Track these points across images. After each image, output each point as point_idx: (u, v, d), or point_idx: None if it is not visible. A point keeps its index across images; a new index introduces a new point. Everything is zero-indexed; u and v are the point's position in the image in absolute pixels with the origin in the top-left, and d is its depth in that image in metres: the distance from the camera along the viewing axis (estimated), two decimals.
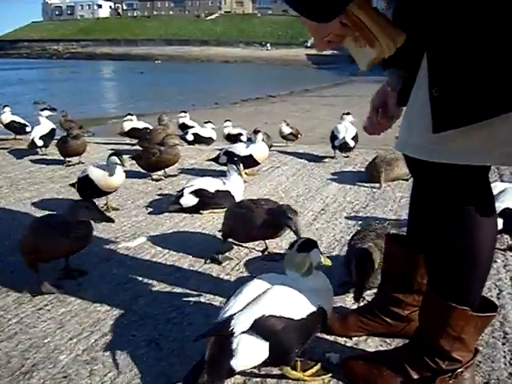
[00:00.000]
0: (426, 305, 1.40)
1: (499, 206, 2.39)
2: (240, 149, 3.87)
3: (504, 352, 1.61)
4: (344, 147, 4.50)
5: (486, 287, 2.03)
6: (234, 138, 5.34)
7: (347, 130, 4.53)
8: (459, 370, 1.34)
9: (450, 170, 1.19)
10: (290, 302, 1.40)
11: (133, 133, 5.24)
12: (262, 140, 3.93)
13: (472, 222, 1.25)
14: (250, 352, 1.33)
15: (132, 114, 5.46)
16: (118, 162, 2.89)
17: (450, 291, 1.30)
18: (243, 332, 1.32)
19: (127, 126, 5.28)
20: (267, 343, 1.33)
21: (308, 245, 1.49)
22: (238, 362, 1.32)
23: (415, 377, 1.38)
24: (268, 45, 62.84)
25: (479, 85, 1.06)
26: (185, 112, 6.00)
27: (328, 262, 1.51)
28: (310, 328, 1.41)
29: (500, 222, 2.37)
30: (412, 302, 1.61)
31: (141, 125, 5.32)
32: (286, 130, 5.59)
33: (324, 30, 1.11)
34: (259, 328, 1.33)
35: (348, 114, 4.81)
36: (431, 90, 1.12)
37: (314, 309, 1.41)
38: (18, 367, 1.57)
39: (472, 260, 1.27)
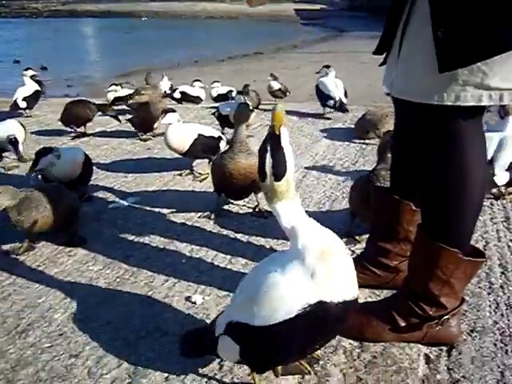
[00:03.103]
0: (417, 247, 1.42)
1: (505, 157, 2.41)
2: (223, 108, 3.77)
3: (489, 301, 1.66)
4: (341, 108, 4.34)
5: (473, 239, 2.07)
6: (222, 98, 5.26)
7: (338, 87, 4.38)
8: (446, 317, 1.38)
9: (448, 112, 1.24)
10: (270, 303, 1.11)
11: (117, 102, 5.12)
12: (246, 99, 3.86)
13: (465, 160, 1.29)
14: (226, 352, 1.26)
15: (117, 85, 5.31)
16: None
17: (441, 232, 1.33)
18: (221, 334, 1.24)
19: (111, 96, 5.15)
20: (238, 347, 1.20)
21: (280, 162, 1.11)
22: (222, 355, 1.29)
23: (402, 324, 1.42)
24: None
25: (483, 23, 1.12)
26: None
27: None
28: (296, 335, 1.11)
29: (507, 175, 2.40)
30: (400, 251, 1.64)
31: (124, 92, 5.20)
32: (275, 86, 5.48)
33: None
34: (230, 333, 1.21)
35: (329, 66, 4.62)
36: (436, 31, 1.17)
37: (302, 306, 1.08)
38: (13, 327, 1.59)
39: (463, 198, 1.30)
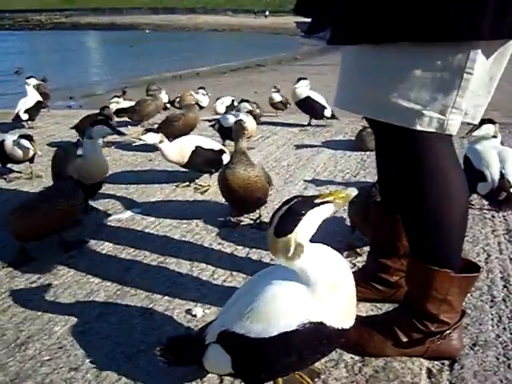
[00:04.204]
0: (410, 270, 1.42)
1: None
2: (224, 120, 3.74)
3: (491, 315, 1.65)
4: (333, 116, 4.58)
5: (475, 252, 2.06)
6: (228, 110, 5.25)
7: (321, 98, 4.57)
8: (447, 332, 1.37)
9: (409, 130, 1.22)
10: (265, 315, 1.10)
11: (119, 113, 5.15)
12: (249, 112, 3.86)
13: (441, 175, 1.27)
14: (215, 362, 1.21)
15: (119, 96, 5.34)
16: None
17: (429, 254, 1.33)
18: (212, 343, 1.20)
19: (113, 107, 5.17)
20: (230, 358, 1.16)
21: (290, 220, 1.07)
22: (207, 366, 1.24)
23: (404, 339, 1.41)
24: (266, 12, 60.92)
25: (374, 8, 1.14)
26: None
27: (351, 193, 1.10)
28: (291, 349, 1.10)
29: None
30: (400, 267, 1.63)
31: (126, 104, 5.22)
32: (277, 98, 5.49)
33: None
34: (223, 342, 1.17)
35: (305, 78, 4.70)
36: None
37: (302, 322, 1.07)
38: (13, 339, 1.58)
39: (446, 216, 1.28)
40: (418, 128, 1.19)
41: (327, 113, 4.55)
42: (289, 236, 1.06)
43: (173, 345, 1.34)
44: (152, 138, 2.75)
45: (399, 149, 1.30)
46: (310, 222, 1.08)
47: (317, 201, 1.08)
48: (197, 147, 2.86)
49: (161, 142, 2.76)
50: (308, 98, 4.54)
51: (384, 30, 1.14)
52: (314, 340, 1.10)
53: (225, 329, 1.17)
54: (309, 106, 4.57)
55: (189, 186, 3.02)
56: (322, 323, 1.08)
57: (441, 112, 1.18)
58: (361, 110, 1.33)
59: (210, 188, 2.95)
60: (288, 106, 5.62)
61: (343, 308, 1.12)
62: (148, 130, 2.81)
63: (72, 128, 4.07)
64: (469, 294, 1.69)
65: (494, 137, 2.54)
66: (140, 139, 2.75)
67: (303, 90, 4.55)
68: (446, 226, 1.29)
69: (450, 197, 1.27)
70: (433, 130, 1.19)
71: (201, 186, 3.00)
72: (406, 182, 1.32)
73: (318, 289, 1.09)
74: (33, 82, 4.85)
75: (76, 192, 2.16)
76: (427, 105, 1.17)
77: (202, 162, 2.88)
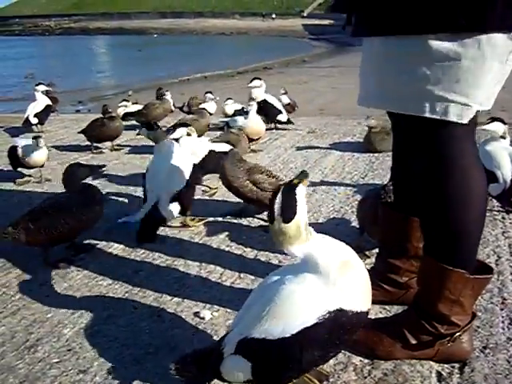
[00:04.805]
0: (423, 269, 1.41)
1: None
2: (232, 123, 3.79)
3: (502, 317, 1.63)
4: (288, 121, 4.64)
5: (485, 254, 2.04)
6: (239, 114, 5.25)
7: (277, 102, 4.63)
8: (457, 334, 1.36)
9: (435, 123, 1.22)
10: (283, 314, 1.11)
11: (127, 118, 5.18)
12: (287, 104, 3.88)
13: (463, 172, 1.27)
14: (235, 372, 1.19)
15: (128, 100, 5.39)
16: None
17: (445, 254, 1.32)
18: (230, 354, 1.19)
19: (121, 111, 5.20)
20: (250, 365, 1.16)
21: (290, 204, 1.13)
22: (226, 376, 1.22)
23: (414, 342, 1.40)
24: (273, 15, 60.98)
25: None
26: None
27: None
28: (314, 343, 1.10)
29: None
30: (409, 267, 1.62)
31: (134, 108, 5.25)
32: (285, 100, 5.49)
33: None
34: (242, 351, 1.16)
35: (259, 78, 4.72)
36: None
37: (322, 314, 1.08)
38: (22, 342, 1.59)
39: (464, 215, 1.28)
40: (454, 119, 1.19)
41: (282, 118, 4.55)
42: (297, 218, 1.12)
43: (187, 361, 1.30)
44: (179, 132, 2.82)
45: (423, 145, 1.29)
46: (302, 200, 1.15)
47: (295, 182, 1.15)
48: (210, 151, 2.92)
49: (188, 134, 2.82)
50: (264, 101, 4.46)
51: (416, 22, 1.15)
52: (336, 328, 1.10)
53: (243, 337, 1.16)
54: (264, 110, 4.42)
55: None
56: (340, 309, 1.10)
57: (467, 101, 1.19)
58: (388, 106, 1.33)
59: (217, 191, 2.95)
60: (296, 108, 5.62)
61: (359, 289, 1.13)
62: (177, 126, 2.88)
63: (80, 132, 4.09)
64: (479, 296, 1.68)
65: (503, 137, 2.52)
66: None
67: (259, 93, 4.47)
68: (464, 225, 1.29)
69: (469, 195, 1.27)
70: (461, 121, 1.20)
71: (209, 188, 3.01)
72: (427, 178, 1.31)
73: (330, 272, 1.11)
74: (41, 88, 4.91)
75: (92, 201, 2.16)
76: (472, 97, 1.18)
77: (213, 164, 2.91)
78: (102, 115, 4.05)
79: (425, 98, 1.20)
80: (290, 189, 1.14)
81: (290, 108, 5.54)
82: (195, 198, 2.53)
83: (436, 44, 1.15)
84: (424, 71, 1.18)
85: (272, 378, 1.18)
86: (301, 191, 1.14)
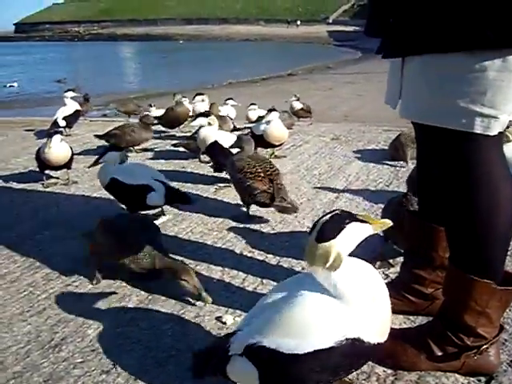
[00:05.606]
0: (449, 280, 1.39)
1: None
2: (256, 128, 3.77)
3: None
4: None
5: (510, 262, 2.00)
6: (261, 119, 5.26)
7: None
8: (484, 347, 1.33)
9: (463, 135, 1.20)
10: (300, 331, 1.08)
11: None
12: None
13: (491, 182, 1.25)
14: (242, 374, 1.18)
15: (152, 106, 5.55)
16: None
17: (471, 264, 1.29)
18: (237, 354, 1.17)
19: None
20: (257, 371, 1.13)
21: (333, 227, 1.08)
22: (232, 377, 1.21)
23: (439, 353, 1.37)
24: (298, 21, 61.01)
25: (434, 16, 1.15)
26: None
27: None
28: (324, 367, 1.08)
29: None
30: (435, 278, 1.59)
31: (159, 113, 5.31)
32: (297, 106, 5.45)
33: None
34: (250, 355, 1.14)
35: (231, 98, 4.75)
36: (387, 19, 1.25)
37: (339, 339, 1.06)
38: (47, 341, 1.62)
39: (491, 225, 1.26)
40: (482, 131, 1.18)
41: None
42: (330, 242, 1.07)
43: (198, 355, 1.33)
44: (200, 121, 2.84)
45: (451, 156, 1.28)
46: (352, 233, 1.09)
47: (359, 217, 1.10)
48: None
49: (209, 124, 2.85)
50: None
51: (451, 39, 1.14)
52: (350, 356, 1.09)
53: (254, 342, 1.13)
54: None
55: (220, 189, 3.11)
56: (358, 339, 1.07)
57: (495, 113, 1.17)
58: (426, 119, 1.30)
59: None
60: (311, 112, 5.56)
61: (379, 323, 1.11)
62: (198, 116, 2.99)
63: (97, 137, 4.18)
64: (507, 308, 1.64)
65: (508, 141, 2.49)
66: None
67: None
68: (491, 235, 1.26)
69: (497, 206, 1.25)
70: (489, 133, 1.18)
71: (219, 186, 3.13)
72: (453, 189, 1.29)
73: (354, 303, 1.08)
74: (70, 94, 5.02)
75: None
76: (499, 108, 1.16)
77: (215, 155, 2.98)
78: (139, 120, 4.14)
79: (453, 110, 1.19)
80: (345, 216, 1.10)
81: (304, 112, 5.49)
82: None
83: (463, 58, 1.15)
84: (451, 84, 1.18)
85: None
86: (356, 226, 1.09)
